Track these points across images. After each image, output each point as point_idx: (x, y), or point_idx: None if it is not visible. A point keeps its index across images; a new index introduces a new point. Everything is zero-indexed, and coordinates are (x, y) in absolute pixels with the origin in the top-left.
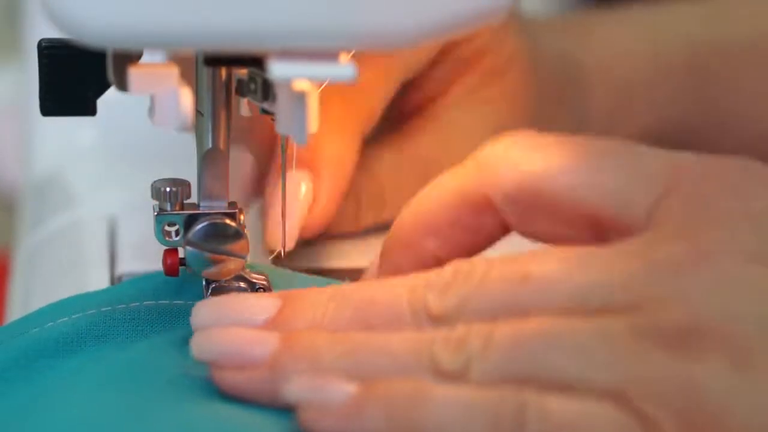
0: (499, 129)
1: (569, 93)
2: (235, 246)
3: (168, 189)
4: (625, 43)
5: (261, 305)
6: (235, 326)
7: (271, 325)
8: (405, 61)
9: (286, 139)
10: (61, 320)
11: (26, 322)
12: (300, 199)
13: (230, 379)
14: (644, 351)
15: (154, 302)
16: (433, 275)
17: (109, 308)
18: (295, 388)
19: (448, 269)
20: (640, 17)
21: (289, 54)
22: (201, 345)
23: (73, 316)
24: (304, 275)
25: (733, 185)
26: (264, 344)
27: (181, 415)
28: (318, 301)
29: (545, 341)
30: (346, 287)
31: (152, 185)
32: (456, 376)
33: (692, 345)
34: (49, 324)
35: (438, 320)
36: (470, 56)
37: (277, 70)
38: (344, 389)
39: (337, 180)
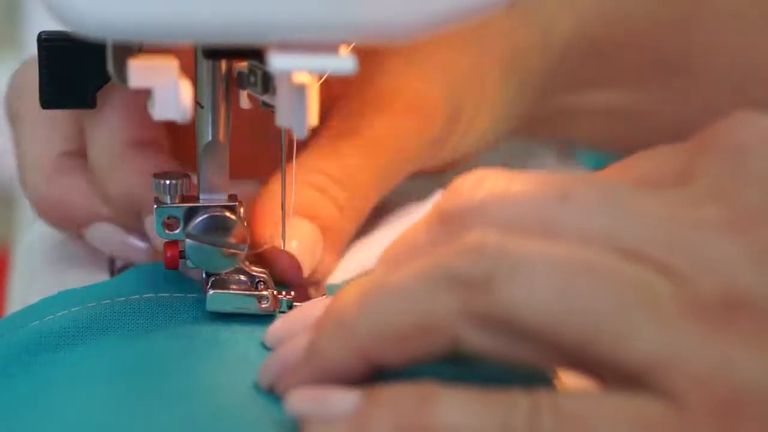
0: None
1: None
2: (236, 239)
3: (168, 182)
4: None
5: None
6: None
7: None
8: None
9: (286, 131)
10: (61, 313)
11: (26, 315)
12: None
13: (286, 390)
14: (683, 323)
15: (153, 295)
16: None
17: (109, 301)
18: (297, 402)
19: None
20: None
21: (289, 46)
22: (259, 378)
23: (73, 309)
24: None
25: (766, 138)
26: (299, 346)
27: (184, 409)
28: None
29: (584, 282)
30: None
31: (152, 178)
32: (476, 285)
33: (732, 318)
34: (49, 317)
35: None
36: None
37: (277, 62)
38: (348, 399)
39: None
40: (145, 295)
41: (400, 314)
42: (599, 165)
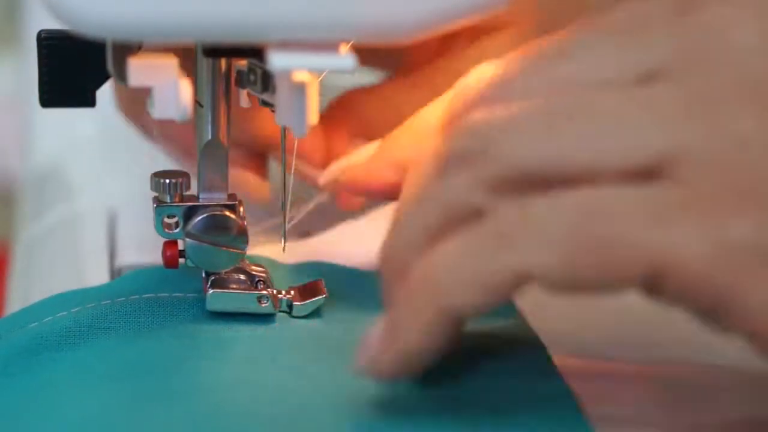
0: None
1: None
2: (235, 238)
3: (167, 181)
4: None
5: None
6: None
7: None
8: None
9: (286, 129)
10: (60, 314)
11: (24, 316)
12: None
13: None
14: (681, 117)
15: (153, 295)
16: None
17: (109, 302)
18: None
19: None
20: None
21: (289, 45)
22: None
23: (73, 310)
24: (307, 263)
25: None
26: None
27: (186, 408)
28: None
29: (565, 117)
30: None
31: (152, 177)
32: (476, 156)
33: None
34: (48, 318)
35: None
36: None
37: (276, 61)
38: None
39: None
40: (144, 295)
41: (427, 214)
42: None
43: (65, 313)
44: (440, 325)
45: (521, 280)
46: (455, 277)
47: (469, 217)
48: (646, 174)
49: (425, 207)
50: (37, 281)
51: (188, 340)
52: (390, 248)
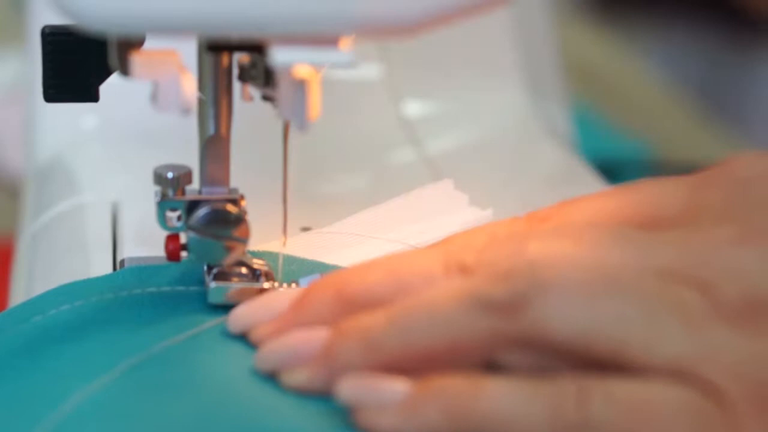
0: None
1: None
2: (237, 231)
3: (170, 175)
4: None
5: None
6: (291, 333)
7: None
8: None
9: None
10: (64, 307)
11: (27, 309)
12: None
13: (293, 380)
14: (711, 325)
15: (156, 289)
16: (469, 239)
17: (112, 295)
18: (349, 389)
19: (483, 235)
20: None
21: (291, 40)
22: (262, 358)
23: (76, 303)
24: (306, 260)
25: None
26: (314, 340)
27: (190, 400)
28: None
29: (612, 295)
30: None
31: (154, 171)
32: (509, 309)
33: (758, 319)
34: (53, 311)
35: (472, 272)
36: None
37: (278, 56)
38: (399, 388)
39: None
40: (147, 289)
41: (434, 334)
42: (597, 151)
43: (69, 306)
44: None
45: None
46: (498, 416)
47: (474, 356)
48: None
49: (435, 327)
50: (41, 274)
51: (190, 332)
52: (375, 341)
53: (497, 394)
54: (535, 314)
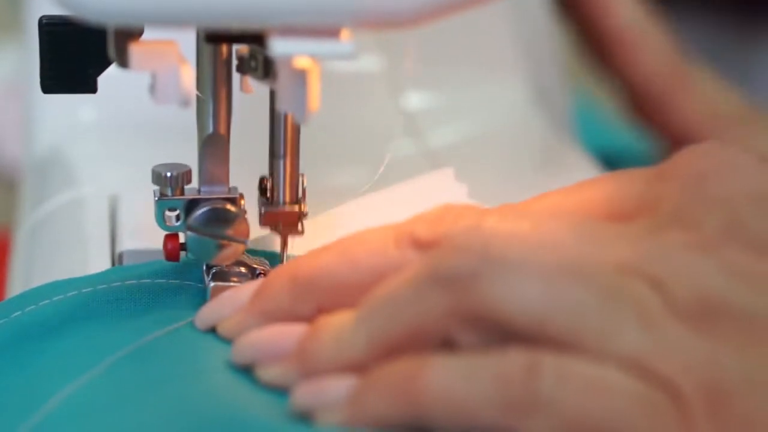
0: None
1: None
2: (236, 231)
3: (168, 174)
4: None
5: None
6: (267, 328)
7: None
8: None
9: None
10: (42, 303)
11: (7, 306)
12: None
13: (267, 376)
14: (666, 323)
15: (135, 282)
16: (422, 214)
17: (90, 289)
18: (299, 397)
19: (436, 210)
20: None
21: (290, 31)
22: (237, 351)
23: (55, 299)
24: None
25: (724, 163)
26: (290, 335)
27: (176, 395)
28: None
29: (569, 281)
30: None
31: (153, 170)
32: (460, 282)
33: (713, 323)
34: (31, 307)
35: (425, 247)
36: None
37: (277, 47)
38: (342, 384)
39: None
40: (126, 282)
41: (395, 322)
42: (597, 143)
43: (47, 301)
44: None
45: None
46: (442, 395)
47: (433, 336)
48: None
49: (394, 312)
50: (39, 267)
51: (171, 326)
52: (345, 339)
53: (441, 371)
54: (486, 289)
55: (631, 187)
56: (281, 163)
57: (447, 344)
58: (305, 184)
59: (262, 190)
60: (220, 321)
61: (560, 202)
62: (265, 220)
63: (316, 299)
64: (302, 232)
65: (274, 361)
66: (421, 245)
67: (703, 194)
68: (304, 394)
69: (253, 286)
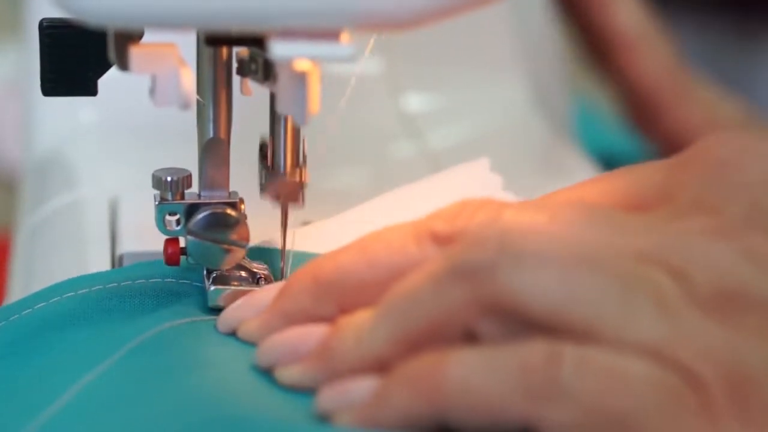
0: None
1: None
2: (237, 235)
3: (169, 178)
4: None
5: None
6: (289, 329)
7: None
8: None
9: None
10: (67, 295)
11: (32, 300)
12: None
13: (286, 377)
14: (685, 311)
15: (160, 280)
16: (439, 210)
17: (115, 284)
18: (325, 401)
19: (454, 206)
20: None
21: (290, 33)
22: (261, 354)
23: (80, 292)
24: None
25: (745, 151)
26: (313, 336)
27: (190, 385)
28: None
29: (587, 271)
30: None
31: (153, 174)
32: (479, 275)
33: (734, 310)
34: (55, 299)
35: (444, 242)
36: None
37: (277, 49)
38: (365, 384)
39: None
40: (151, 280)
41: (415, 317)
42: (597, 145)
43: (72, 293)
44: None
45: (528, 425)
46: (464, 387)
47: (454, 329)
48: None
49: (415, 307)
50: (39, 268)
51: (192, 322)
52: (365, 337)
53: (462, 363)
54: (505, 279)
55: (651, 178)
56: (282, 123)
57: (468, 339)
58: (306, 149)
59: (263, 155)
60: (241, 323)
61: (579, 195)
62: (265, 191)
63: (338, 300)
64: (303, 203)
65: (294, 362)
66: (440, 240)
67: (724, 181)
68: (328, 397)
69: (274, 288)
